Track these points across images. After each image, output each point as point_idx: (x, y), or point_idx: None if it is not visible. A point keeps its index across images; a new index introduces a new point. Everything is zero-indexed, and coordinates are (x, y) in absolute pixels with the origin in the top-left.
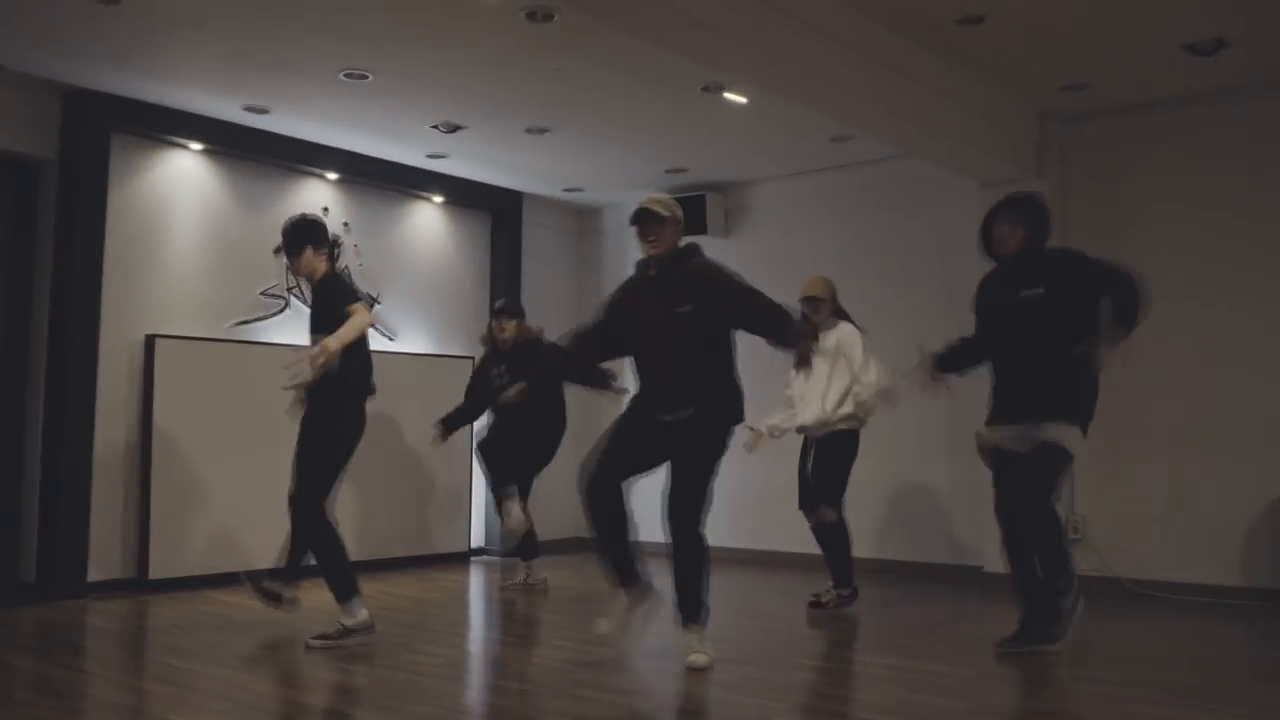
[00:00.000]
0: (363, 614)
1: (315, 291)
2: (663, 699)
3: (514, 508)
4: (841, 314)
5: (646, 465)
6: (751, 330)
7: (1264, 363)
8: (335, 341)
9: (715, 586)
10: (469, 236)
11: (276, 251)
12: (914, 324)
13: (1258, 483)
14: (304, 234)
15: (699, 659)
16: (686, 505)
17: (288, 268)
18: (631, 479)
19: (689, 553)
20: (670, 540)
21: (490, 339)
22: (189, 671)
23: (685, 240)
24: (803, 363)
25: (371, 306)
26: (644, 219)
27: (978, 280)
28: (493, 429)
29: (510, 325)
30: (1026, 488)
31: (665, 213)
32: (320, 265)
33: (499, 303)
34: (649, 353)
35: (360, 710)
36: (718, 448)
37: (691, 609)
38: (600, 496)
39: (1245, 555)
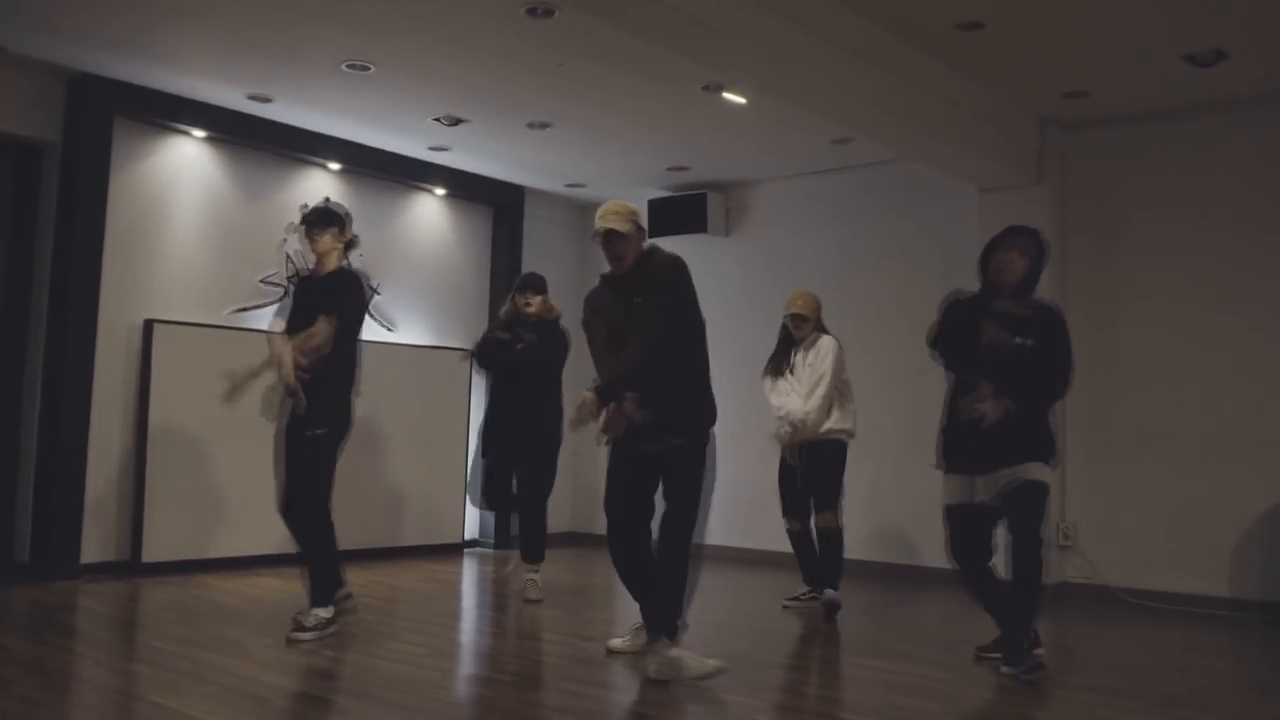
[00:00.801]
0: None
1: (324, 279)
2: (647, 695)
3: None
4: (822, 329)
5: (651, 495)
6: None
7: (1260, 373)
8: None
9: (707, 585)
10: (470, 229)
11: (302, 222)
12: (912, 327)
13: (1250, 494)
14: (335, 217)
15: (665, 670)
16: (682, 527)
17: (301, 241)
18: (648, 517)
19: (678, 571)
20: (660, 554)
21: (513, 314)
22: (178, 655)
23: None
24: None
25: (371, 298)
26: (611, 239)
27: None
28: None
29: (536, 301)
30: (1030, 528)
31: (627, 228)
32: (335, 253)
33: (523, 277)
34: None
35: (346, 698)
36: (701, 464)
37: (668, 625)
38: (624, 560)
39: (1235, 567)
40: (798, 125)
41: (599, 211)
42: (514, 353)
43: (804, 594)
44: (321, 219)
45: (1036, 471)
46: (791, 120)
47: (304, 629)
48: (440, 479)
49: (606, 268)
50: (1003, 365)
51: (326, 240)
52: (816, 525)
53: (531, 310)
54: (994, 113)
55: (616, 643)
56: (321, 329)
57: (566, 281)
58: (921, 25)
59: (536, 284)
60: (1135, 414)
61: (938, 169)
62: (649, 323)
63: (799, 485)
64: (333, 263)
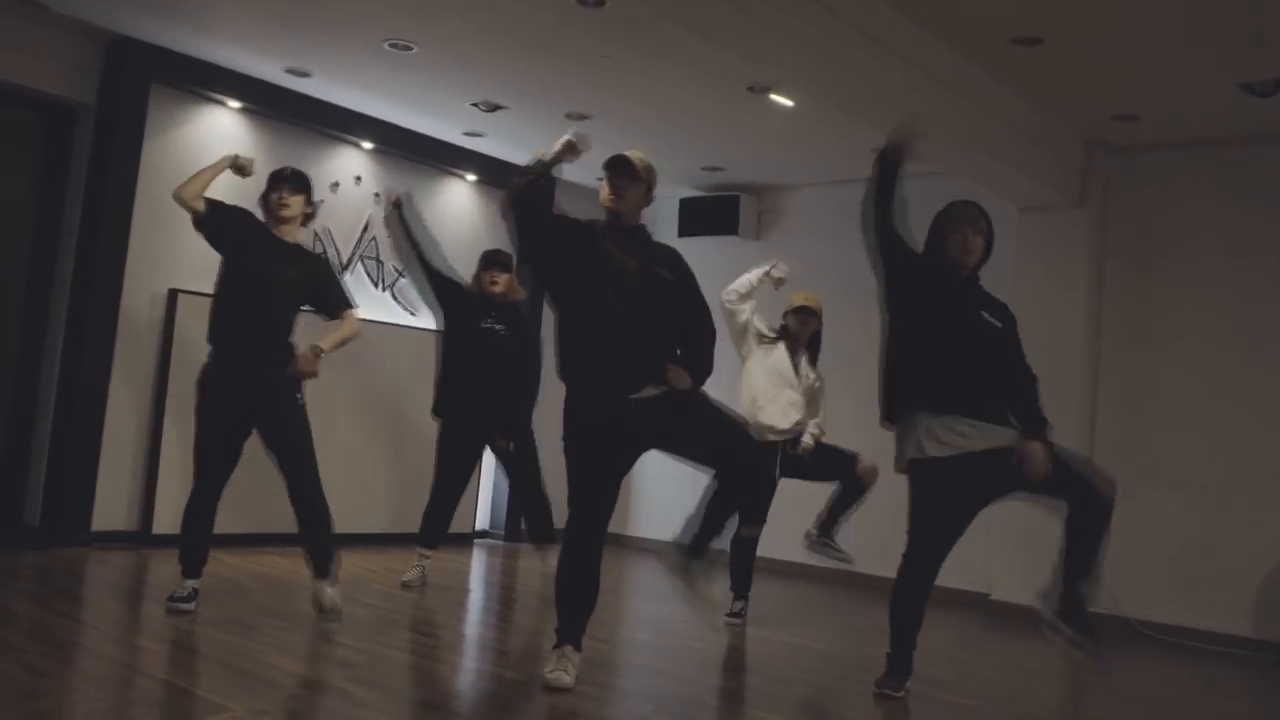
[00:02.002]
0: None
1: (310, 259)
2: (661, 702)
3: None
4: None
5: (617, 487)
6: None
7: None
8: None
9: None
10: (498, 217)
11: (276, 179)
12: None
13: (1276, 533)
14: (309, 183)
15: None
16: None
17: (271, 199)
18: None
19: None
20: (747, 473)
21: (476, 292)
22: (186, 632)
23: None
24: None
25: (395, 280)
26: (620, 170)
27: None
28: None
29: (502, 279)
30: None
31: (641, 169)
32: (299, 220)
33: (488, 252)
34: (623, 316)
35: (360, 688)
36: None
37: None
38: (581, 576)
39: (1259, 606)
40: (839, 132)
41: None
42: (498, 338)
43: (741, 609)
44: (299, 181)
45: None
46: (833, 126)
47: (327, 611)
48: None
49: None
50: (983, 339)
51: (298, 203)
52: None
53: (498, 289)
54: (1041, 131)
55: (566, 679)
56: (355, 325)
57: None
58: (979, 38)
59: (503, 261)
60: (1164, 446)
61: (979, 185)
62: (708, 324)
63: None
64: (296, 230)
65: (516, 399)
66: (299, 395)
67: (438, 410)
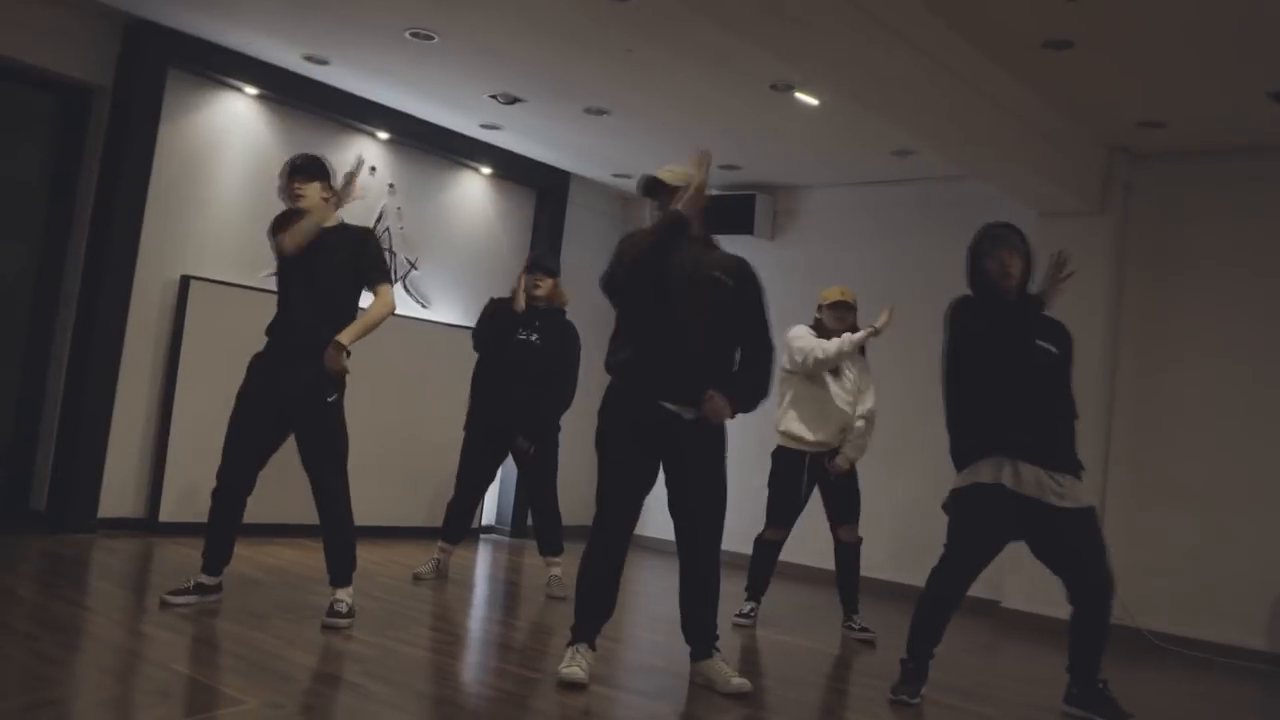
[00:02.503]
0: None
1: (345, 232)
2: (675, 703)
3: None
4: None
5: (644, 496)
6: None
7: None
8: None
9: (724, 594)
10: (512, 211)
11: (290, 169)
12: None
13: None
14: (324, 168)
15: (744, 682)
16: (718, 522)
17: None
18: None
19: (714, 582)
20: (697, 564)
21: (517, 294)
22: (194, 621)
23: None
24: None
25: (408, 272)
26: (657, 189)
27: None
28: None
29: (546, 284)
30: (1105, 558)
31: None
32: (322, 207)
33: (534, 255)
34: (673, 323)
35: (372, 682)
36: (724, 450)
37: (713, 637)
38: (618, 569)
39: (1272, 619)
40: (860, 133)
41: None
42: (533, 349)
43: (752, 610)
44: (311, 168)
45: (1083, 491)
46: (855, 127)
47: (342, 615)
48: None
49: None
50: (1038, 370)
51: (314, 190)
52: (845, 539)
53: (540, 293)
54: (1064, 136)
55: (580, 675)
56: (380, 306)
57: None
58: (1009, 41)
59: (549, 265)
60: (1179, 457)
61: (999, 189)
62: (763, 323)
63: (800, 498)
64: (327, 216)
65: (545, 404)
66: (334, 395)
67: (469, 426)
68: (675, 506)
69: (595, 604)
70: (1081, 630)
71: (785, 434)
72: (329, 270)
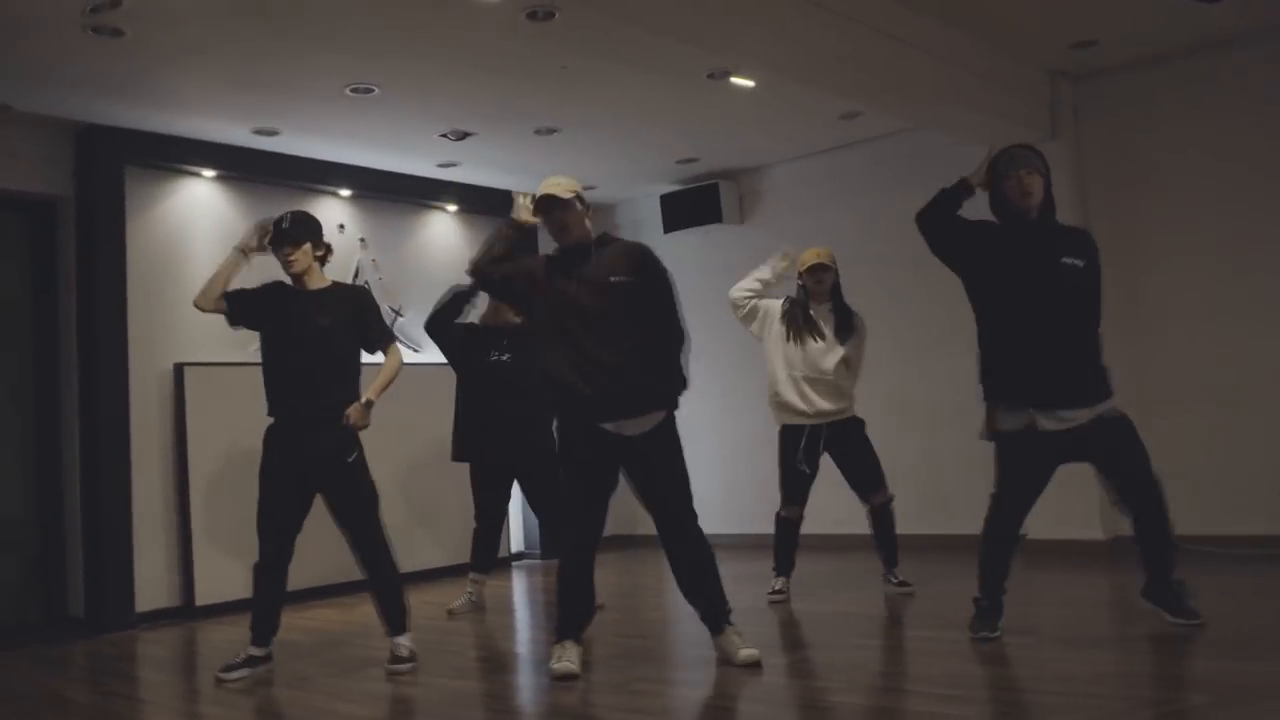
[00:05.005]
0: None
1: (342, 291)
2: (723, 688)
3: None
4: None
5: (608, 498)
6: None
7: None
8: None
9: (739, 575)
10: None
11: (276, 235)
12: (931, 300)
13: None
14: (312, 227)
15: (753, 653)
16: (687, 510)
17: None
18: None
19: (706, 557)
20: (682, 553)
21: (493, 322)
22: (248, 693)
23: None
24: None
25: (394, 321)
26: (551, 208)
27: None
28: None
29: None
30: (1147, 462)
31: (568, 196)
32: (316, 266)
33: None
34: (584, 340)
35: (421, 717)
36: (678, 442)
37: (724, 612)
38: (578, 581)
39: None
40: (804, 104)
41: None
42: (506, 368)
43: (783, 586)
44: (299, 230)
45: (1116, 408)
46: (797, 100)
47: (405, 660)
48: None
49: None
50: (1064, 288)
51: (305, 254)
52: (875, 502)
53: (521, 320)
54: (1001, 71)
55: (573, 666)
56: (394, 362)
57: None
58: None
59: None
60: (1173, 361)
61: (949, 134)
62: (669, 312)
63: (804, 470)
64: (319, 276)
65: (532, 431)
66: (355, 451)
67: (457, 456)
68: (644, 500)
69: (571, 605)
70: (1143, 532)
71: (780, 406)
72: (332, 333)
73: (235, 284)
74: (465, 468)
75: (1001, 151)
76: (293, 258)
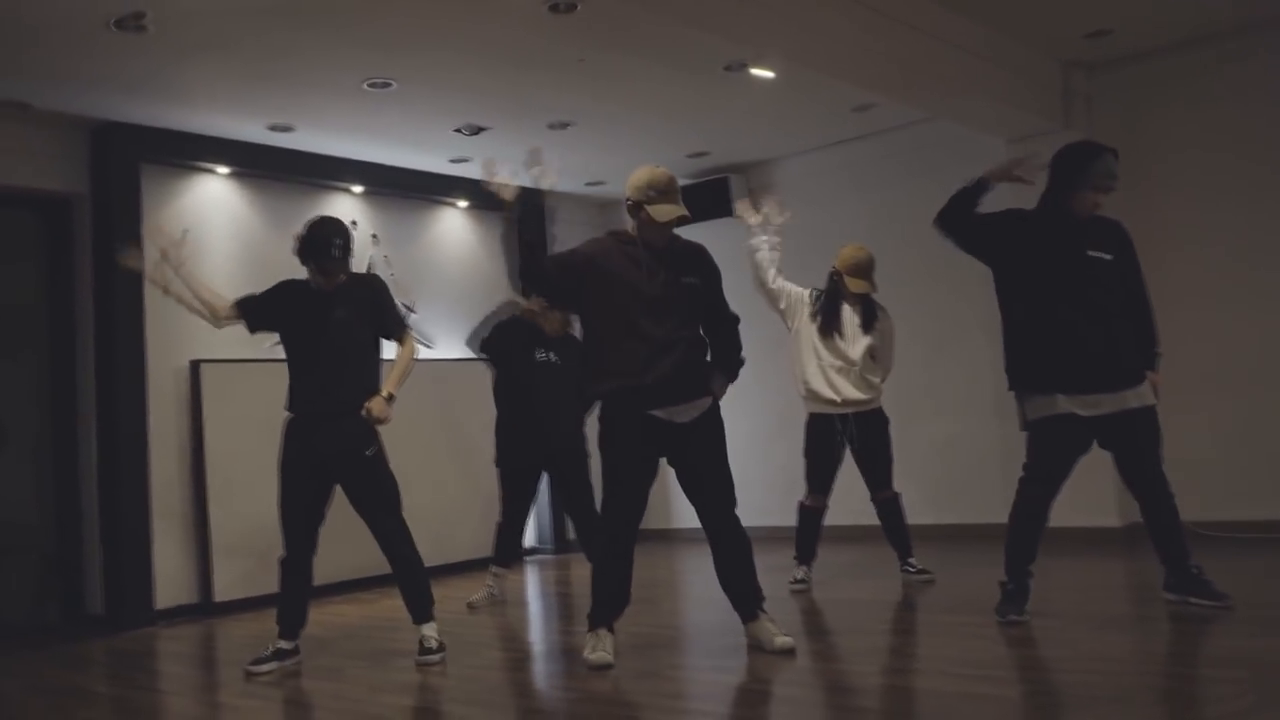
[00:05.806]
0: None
1: (356, 284)
2: (756, 672)
3: None
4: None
5: (648, 489)
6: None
7: None
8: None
9: (759, 566)
10: (496, 239)
11: (331, 253)
12: (945, 292)
13: None
14: (347, 245)
15: (788, 640)
16: (730, 500)
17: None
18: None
19: (744, 545)
20: (724, 539)
21: (532, 320)
22: (277, 685)
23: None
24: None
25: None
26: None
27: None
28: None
29: (557, 313)
30: (1157, 457)
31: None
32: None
33: None
34: (646, 328)
35: (460, 706)
36: (723, 429)
37: (758, 598)
38: (616, 570)
39: None
40: (817, 96)
41: (656, 180)
42: (554, 369)
43: (805, 574)
44: (350, 250)
45: (1146, 394)
46: (811, 92)
47: (433, 650)
48: (493, 490)
49: None
50: (1091, 278)
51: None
52: (883, 499)
53: (555, 325)
54: (1016, 61)
55: (607, 657)
56: (407, 353)
57: None
58: None
59: None
60: (1186, 349)
61: (962, 125)
62: (732, 323)
63: (854, 459)
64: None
65: (570, 428)
66: (374, 444)
67: (500, 462)
68: (689, 491)
69: (608, 593)
70: (1151, 520)
71: (810, 395)
72: (350, 326)
73: (238, 288)
74: (488, 462)
75: (1079, 153)
76: (341, 277)
